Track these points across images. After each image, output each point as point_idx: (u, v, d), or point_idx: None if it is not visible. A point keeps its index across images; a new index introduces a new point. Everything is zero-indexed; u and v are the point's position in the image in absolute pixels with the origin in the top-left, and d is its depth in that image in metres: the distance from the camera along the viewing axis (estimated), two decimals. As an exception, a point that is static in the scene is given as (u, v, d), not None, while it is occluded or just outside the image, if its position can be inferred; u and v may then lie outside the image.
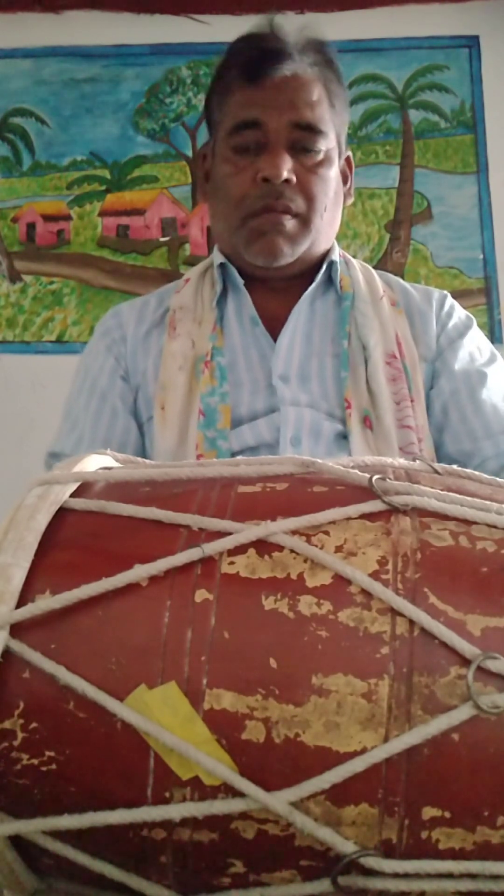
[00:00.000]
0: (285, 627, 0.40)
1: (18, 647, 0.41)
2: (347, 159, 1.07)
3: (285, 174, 0.94)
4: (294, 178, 0.96)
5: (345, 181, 1.07)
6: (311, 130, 0.97)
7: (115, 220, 2.12)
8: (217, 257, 1.04)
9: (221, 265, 1.03)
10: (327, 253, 1.04)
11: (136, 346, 1.03)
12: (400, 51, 2.12)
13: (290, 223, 0.96)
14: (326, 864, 0.40)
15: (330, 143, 1.00)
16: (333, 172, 1.01)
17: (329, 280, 1.04)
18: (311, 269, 1.02)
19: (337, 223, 1.06)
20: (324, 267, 1.02)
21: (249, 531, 0.43)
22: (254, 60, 0.97)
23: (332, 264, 1.03)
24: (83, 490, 0.50)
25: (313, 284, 1.01)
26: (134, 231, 2.12)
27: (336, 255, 1.04)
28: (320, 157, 0.98)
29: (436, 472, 0.52)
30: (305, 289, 1.01)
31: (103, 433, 0.98)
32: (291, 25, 1.01)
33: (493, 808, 0.38)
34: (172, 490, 0.48)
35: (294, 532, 0.44)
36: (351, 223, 2.09)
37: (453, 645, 0.39)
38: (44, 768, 0.41)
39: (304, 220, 0.98)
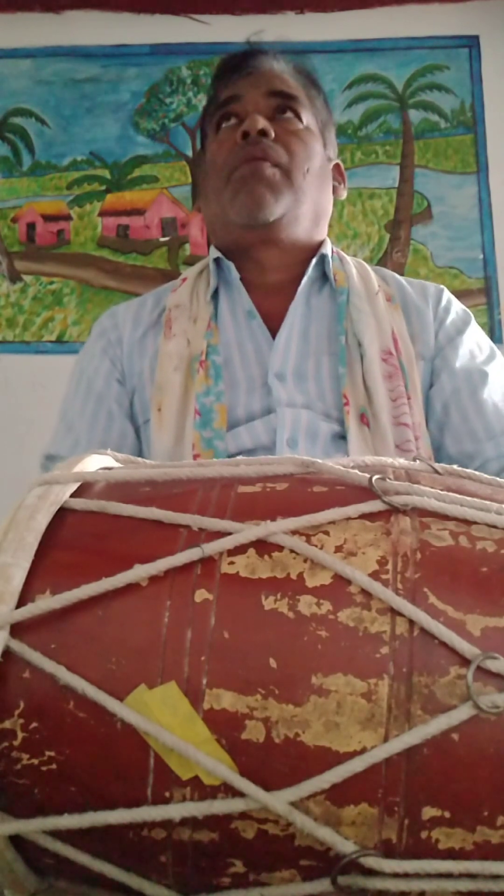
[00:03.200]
0: (285, 627, 0.40)
1: (18, 647, 0.41)
2: (338, 167, 1.09)
3: (261, 124, 0.99)
4: (272, 133, 1.00)
5: (336, 182, 1.10)
6: (288, 97, 1.03)
7: (115, 220, 2.12)
8: (212, 253, 1.04)
9: (216, 260, 1.03)
10: (319, 246, 1.04)
11: (133, 348, 1.03)
12: (400, 51, 2.12)
13: (269, 170, 0.98)
14: (326, 864, 0.40)
15: (310, 120, 1.04)
16: (317, 146, 1.04)
17: (324, 276, 1.04)
18: (303, 259, 1.03)
19: (327, 208, 1.07)
20: (315, 259, 1.02)
21: (249, 531, 0.43)
22: (234, 62, 1.05)
23: (324, 258, 1.03)
24: (83, 490, 0.50)
25: (306, 278, 1.01)
26: (134, 231, 2.12)
27: (328, 250, 1.04)
28: (300, 125, 1.03)
29: (436, 471, 0.52)
30: (299, 284, 1.01)
31: (99, 436, 0.98)
32: (275, 28, 1.09)
33: (493, 807, 0.38)
34: (172, 490, 0.48)
35: (294, 532, 0.44)
36: (351, 223, 2.09)
37: (453, 645, 0.39)
38: (44, 768, 0.41)
39: (285, 171, 0.99)
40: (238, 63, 1.04)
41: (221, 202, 1.01)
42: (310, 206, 1.02)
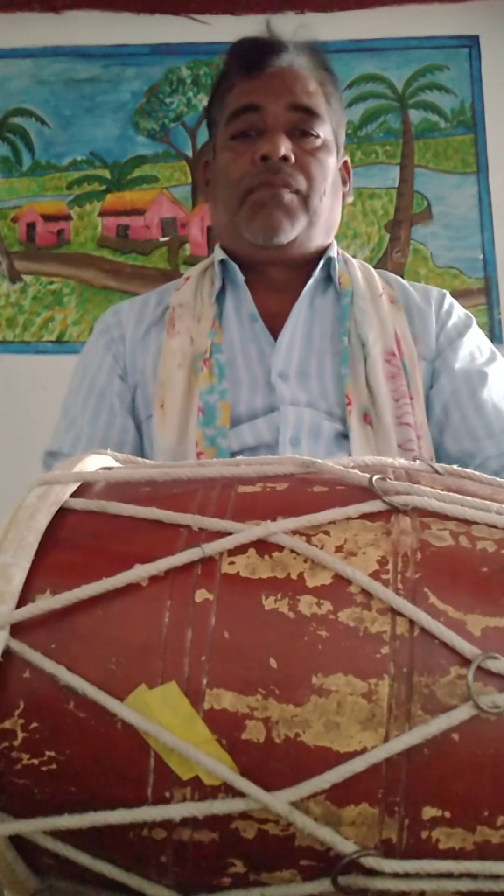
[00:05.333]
0: (285, 627, 0.40)
1: (19, 647, 0.41)
2: (345, 164, 1.09)
3: (283, 150, 0.96)
4: (293, 158, 0.98)
5: (343, 184, 1.08)
6: (309, 113, 1.00)
7: (115, 220, 2.12)
8: (218, 254, 1.04)
9: (222, 261, 1.03)
10: (326, 249, 1.04)
11: (135, 345, 1.03)
12: (400, 51, 2.12)
13: (288, 196, 0.98)
14: (327, 864, 0.40)
15: (327, 132, 1.02)
16: (332, 161, 1.03)
17: (328, 278, 1.04)
18: (310, 264, 1.03)
19: (336, 217, 1.07)
20: (321, 262, 1.02)
21: (249, 531, 0.43)
22: (252, 55, 1.00)
23: (330, 261, 1.03)
24: (83, 490, 0.50)
25: (311, 280, 1.01)
26: (134, 231, 2.12)
27: (334, 253, 1.04)
28: (318, 142, 1.01)
29: (436, 471, 0.52)
30: (304, 286, 1.01)
31: (101, 432, 0.98)
32: (287, 28, 1.05)
33: (493, 807, 0.38)
34: (172, 490, 0.48)
35: (294, 532, 0.44)
36: (351, 223, 2.09)
37: (453, 645, 0.39)
38: (44, 768, 0.41)
39: (304, 198, 0.99)
40: (258, 58, 1.00)
41: (234, 219, 1.01)
42: (322, 225, 1.03)
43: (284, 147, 0.96)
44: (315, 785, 0.38)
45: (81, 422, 1.00)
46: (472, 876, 0.39)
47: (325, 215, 1.02)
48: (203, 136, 2.02)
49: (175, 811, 0.39)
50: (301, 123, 0.99)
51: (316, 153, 1.00)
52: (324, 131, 1.01)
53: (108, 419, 0.99)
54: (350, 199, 1.11)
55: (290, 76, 1.00)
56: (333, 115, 1.03)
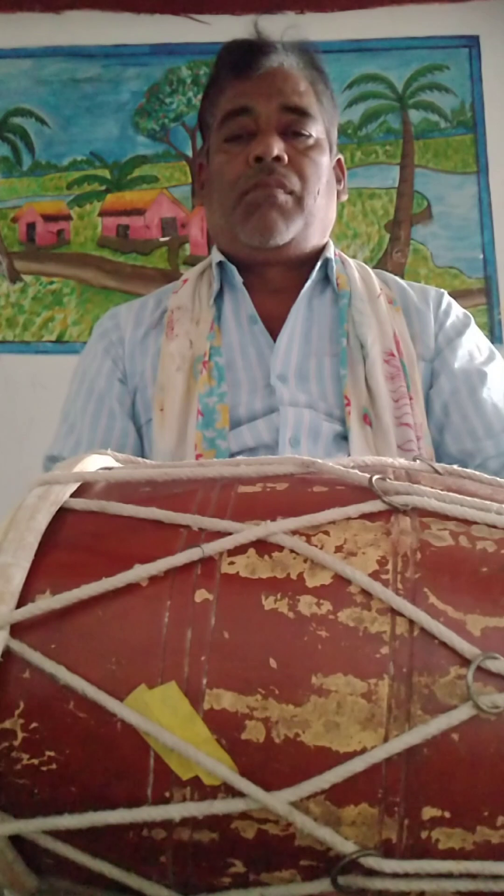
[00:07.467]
0: (285, 627, 0.40)
1: (19, 647, 0.41)
2: (339, 162, 1.09)
3: (276, 151, 0.97)
4: (286, 158, 0.98)
5: (338, 182, 1.08)
6: (301, 113, 1.00)
7: (115, 220, 2.12)
8: (215, 256, 1.04)
9: (220, 263, 1.03)
10: (323, 250, 1.04)
11: (134, 348, 1.03)
12: (400, 51, 2.12)
13: (283, 197, 0.98)
14: (326, 864, 0.40)
15: (320, 131, 1.02)
16: (325, 160, 1.03)
17: (326, 279, 1.04)
18: (307, 264, 1.03)
19: (331, 216, 1.07)
20: (319, 263, 1.02)
21: (249, 531, 0.43)
22: (242, 57, 1.01)
23: (327, 261, 1.03)
24: (83, 490, 0.50)
25: (310, 282, 1.01)
26: (134, 231, 2.12)
27: (331, 253, 1.05)
28: (311, 142, 1.01)
29: (436, 471, 0.52)
30: (302, 287, 1.01)
31: (101, 436, 0.98)
32: (276, 27, 1.04)
33: (493, 807, 0.38)
34: (172, 490, 0.48)
35: (294, 532, 0.44)
36: (351, 223, 2.09)
37: (453, 645, 0.39)
38: (44, 768, 0.41)
39: (298, 198, 0.99)
40: (248, 60, 1.00)
41: (230, 220, 1.01)
42: (318, 225, 1.03)
43: (277, 148, 0.97)
44: (315, 785, 0.38)
45: (81, 426, 1.00)
46: (472, 876, 0.39)
47: (320, 215, 1.02)
48: (203, 136, 2.02)
49: (175, 811, 0.39)
50: (293, 124, 0.99)
51: (309, 153, 1.00)
52: (316, 130, 1.01)
53: (107, 423, 0.99)
54: (345, 198, 1.12)
55: (280, 77, 1.00)
56: (325, 113, 1.03)
